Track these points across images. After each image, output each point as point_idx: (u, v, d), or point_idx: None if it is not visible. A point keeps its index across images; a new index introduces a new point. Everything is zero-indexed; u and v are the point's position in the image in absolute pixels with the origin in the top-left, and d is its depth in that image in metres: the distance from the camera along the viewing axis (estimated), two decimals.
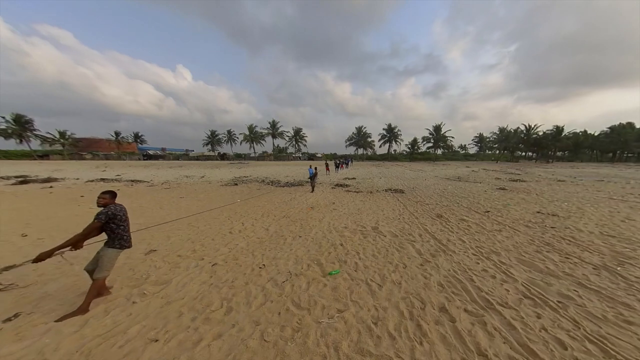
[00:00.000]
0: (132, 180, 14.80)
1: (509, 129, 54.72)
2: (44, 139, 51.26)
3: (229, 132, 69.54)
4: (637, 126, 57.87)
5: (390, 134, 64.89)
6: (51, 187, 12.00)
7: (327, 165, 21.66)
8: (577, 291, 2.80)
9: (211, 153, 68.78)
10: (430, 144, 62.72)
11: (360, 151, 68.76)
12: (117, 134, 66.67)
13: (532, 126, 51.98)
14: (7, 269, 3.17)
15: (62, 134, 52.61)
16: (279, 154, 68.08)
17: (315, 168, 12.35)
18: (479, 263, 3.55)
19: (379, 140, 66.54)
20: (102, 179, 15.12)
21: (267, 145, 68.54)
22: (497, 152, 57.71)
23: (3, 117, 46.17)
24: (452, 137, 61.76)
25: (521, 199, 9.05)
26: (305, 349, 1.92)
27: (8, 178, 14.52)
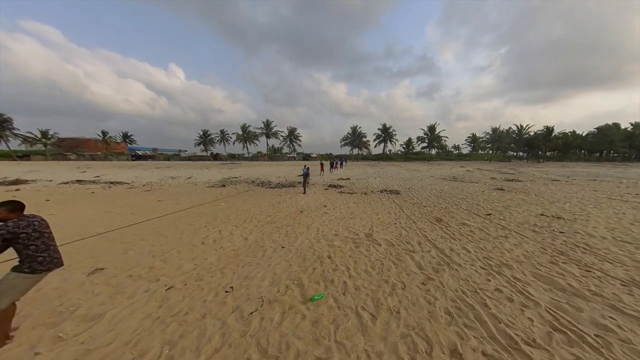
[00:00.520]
0: (111, 182, 13.82)
1: (501, 129, 55.47)
2: (24, 139, 48.79)
3: (222, 131, 68.07)
4: (623, 127, 59.73)
5: (385, 133, 64.84)
6: (17, 189, 10.96)
7: (321, 165, 21.04)
8: (614, 319, 2.28)
9: (204, 153, 67.17)
10: (425, 144, 62.98)
11: (356, 151, 68.48)
12: (104, 133, 64.34)
13: (524, 126, 52.82)
14: None
15: (44, 134, 50.22)
16: (274, 154, 67.08)
17: (308, 168, 11.73)
18: (490, 280, 3.00)
19: (374, 140, 66.45)
20: (78, 181, 14.07)
21: (262, 145, 67.50)
22: (490, 152, 58.38)
23: None
24: (447, 137, 62.26)
25: (521, 200, 8.67)
26: None
27: None
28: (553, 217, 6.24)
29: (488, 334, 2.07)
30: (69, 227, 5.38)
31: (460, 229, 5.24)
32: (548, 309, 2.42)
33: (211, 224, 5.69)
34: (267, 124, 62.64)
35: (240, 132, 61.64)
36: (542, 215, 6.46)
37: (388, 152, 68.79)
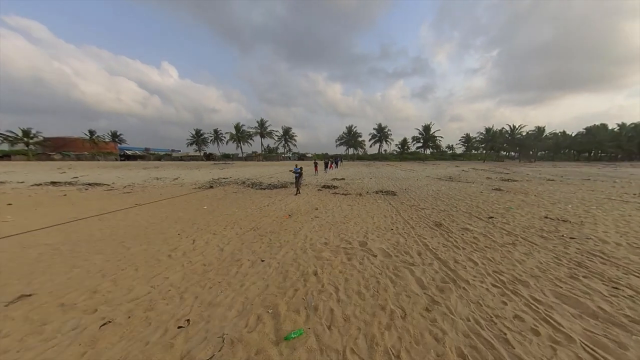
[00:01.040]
0: (89, 184, 12.90)
1: (494, 129, 56.11)
2: (4, 138, 46.45)
3: (215, 131, 66.64)
4: (610, 127, 61.39)
5: (381, 133, 64.77)
6: None
7: (315, 164, 20.45)
8: None
9: (197, 153, 65.63)
10: (420, 144, 63.19)
11: (351, 151, 68.21)
12: (91, 132, 62.14)
13: (517, 127, 53.58)
14: None
15: (26, 133, 47.95)
16: (269, 154, 66.15)
17: (301, 168, 11.15)
18: (506, 303, 2.50)
19: (370, 140, 66.29)
20: (53, 182, 13.08)
21: (256, 145, 66.43)
22: (484, 152, 59.04)
23: None
24: (441, 137, 62.63)
25: (521, 201, 8.32)
26: None
27: None
28: (558, 220, 5.85)
29: None
30: (16, 237, 4.65)
31: (462, 235, 4.77)
32: (585, 346, 1.93)
33: (186, 231, 5.04)
34: (262, 124, 61.66)
35: (234, 132, 60.45)
36: (546, 217, 6.07)
37: (383, 152, 68.78)
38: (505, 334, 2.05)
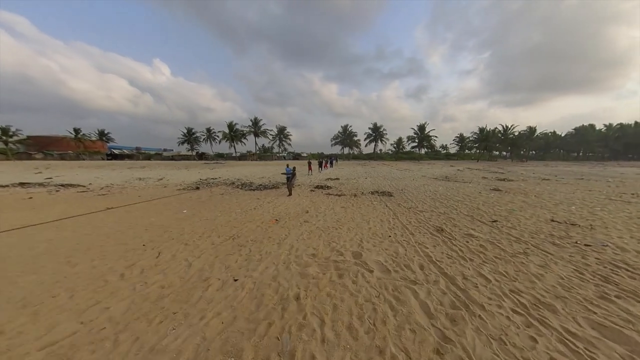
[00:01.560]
0: (63, 185, 11.91)
1: (487, 129, 56.75)
2: None
3: (208, 130, 65.07)
4: (597, 128, 63.09)
5: (376, 133, 64.66)
6: None
7: (309, 164, 19.85)
8: None
9: (189, 153, 63.90)
10: (415, 144, 63.37)
11: (346, 150, 67.88)
12: (76, 130, 59.73)
13: (509, 126, 54.31)
14: None
15: (5, 131, 45.49)
16: (264, 154, 65.04)
17: (293, 168, 10.54)
18: (535, 339, 1.98)
19: (365, 140, 66.11)
20: (22, 184, 12.03)
21: (251, 144, 65.23)
22: (477, 151, 59.70)
23: None
24: (436, 137, 62.97)
25: (522, 202, 7.95)
26: None
27: None
28: (566, 223, 5.45)
29: None
30: None
31: (467, 242, 4.27)
32: None
33: (155, 241, 4.37)
34: (256, 122, 60.50)
35: (227, 131, 59.11)
36: (553, 221, 5.66)
37: (379, 152, 68.75)
38: None
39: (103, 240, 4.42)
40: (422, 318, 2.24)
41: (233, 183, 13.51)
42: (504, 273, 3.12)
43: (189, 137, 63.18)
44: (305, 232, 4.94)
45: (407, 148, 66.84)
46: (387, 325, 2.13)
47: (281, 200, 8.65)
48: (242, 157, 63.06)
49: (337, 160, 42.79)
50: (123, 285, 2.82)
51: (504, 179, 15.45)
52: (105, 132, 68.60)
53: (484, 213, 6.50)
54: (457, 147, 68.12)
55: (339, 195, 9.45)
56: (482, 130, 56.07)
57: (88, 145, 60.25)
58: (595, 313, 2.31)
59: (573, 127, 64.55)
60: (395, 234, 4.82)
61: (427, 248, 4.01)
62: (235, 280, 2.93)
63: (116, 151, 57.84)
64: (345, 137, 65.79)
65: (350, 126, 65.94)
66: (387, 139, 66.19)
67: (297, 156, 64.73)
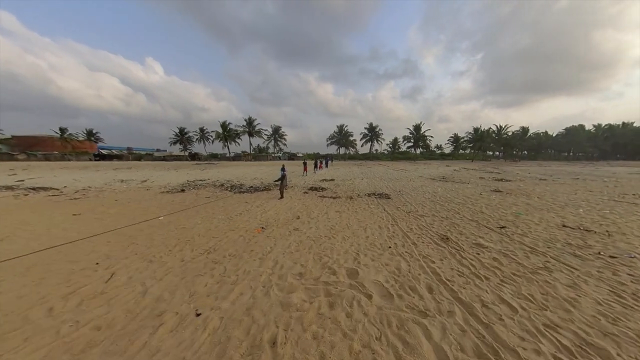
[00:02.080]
0: (34, 188, 10.95)
1: (482, 129, 57.24)
2: None
3: (201, 129, 63.57)
4: (586, 128, 64.55)
5: (372, 133, 64.41)
6: None
7: (304, 164, 19.21)
8: None
9: (182, 153, 62.25)
10: (411, 144, 63.41)
11: (342, 150, 67.45)
12: (62, 130, 57.55)
13: (503, 127, 54.91)
14: None
15: None
16: (259, 154, 63.97)
17: (283, 167, 9.95)
18: None
19: (361, 140, 65.79)
20: None
21: (245, 144, 64.11)
22: (472, 151, 60.20)
23: None
24: (432, 137, 63.15)
25: (526, 205, 7.53)
26: None
27: None
28: (580, 229, 5.00)
29: None
30: None
31: (478, 254, 3.74)
32: None
33: (113, 257, 3.68)
34: (250, 122, 59.39)
35: (220, 130, 57.82)
36: (565, 226, 5.21)
37: (375, 152, 68.56)
38: None
39: (52, 257, 3.70)
40: None
41: (222, 185, 12.77)
42: (530, 297, 2.58)
43: (181, 137, 61.62)
44: (294, 242, 4.33)
45: (403, 148, 66.91)
46: None
47: (271, 203, 8.01)
48: (237, 157, 61.86)
49: (332, 161, 42.31)
50: (46, 325, 2.15)
51: (501, 179, 15.18)
52: (94, 131, 66.41)
53: (489, 217, 6.02)
54: (451, 147, 68.59)
55: (334, 198, 8.87)
56: (476, 130, 56.52)
57: (77, 146, 58.06)
58: None
59: (564, 128, 65.95)
60: (395, 244, 4.26)
61: (434, 262, 3.45)
62: (198, 314, 2.30)
63: (104, 152, 55.82)
64: (341, 137, 65.33)
65: (346, 126, 65.54)
66: (383, 139, 66.10)
67: (292, 156, 63.90)
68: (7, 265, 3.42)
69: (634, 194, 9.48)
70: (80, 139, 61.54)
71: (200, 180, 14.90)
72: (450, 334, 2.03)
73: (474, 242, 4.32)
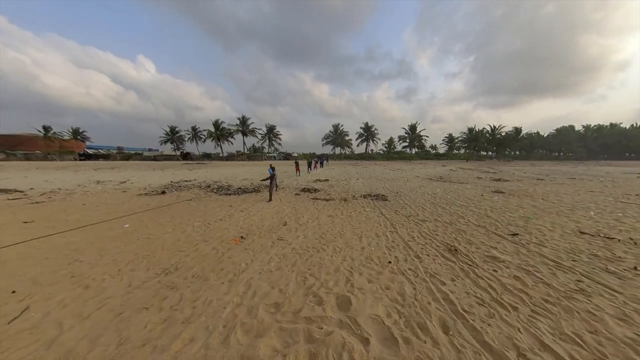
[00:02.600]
0: None
1: (476, 129, 57.66)
2: None
3: (193, 128, 61.88)
4: (575, 129, 65.97)
5: (368, 132, 64.13)
6: None
7: (296, 164, 18.42)
8: None
9: (174, 152, 60.41)
10: (406, 143, 63.42)
11: (338, 150, 66.94)
12: (46, 129, 55.12)
13: (497, 127, 55.44)
14: None
15: None
16: (254, 154, 62.71)
17: (274, 168, 9.22)
18: None
19: (357, 139, 65.43)
20: None
21: (239, 144, 62.70)
22: (467, 151, 60.64)
23: None
24: (427, 137, 63.32)
25: (532, 207, 7.02)
26: None
27: None
28: (600, 236, 4.46)
29: None
30: None
31: (495, 272, 3.11)
32: None
33: (40, 282, 2.88)
34: (243, 121, 58.13)
35: (212, 129, 56.34)
36: (582, 233, 4.66)
37: (370, 152, 68.32)
38: None
39: None
40: None
41: (209, 186, 11.91)
42: (578, 339, 1.95)
43: (172, 136, 59.86)
44: (276, 257, 3.62)
45: (399, 148, 66.91)
46: None
47: (258, 207, 7.27)
48: (230, 157, 60.48)
49: (327, 161, 41.69)
50: None
51: (498, 179, 14.82)
52: (80, 130, 63.89)
53: (496, 223, 5.44)
54: (446, 147, 69.01)
55: (327, 200, 8.19)
56: (471, 130, 56.89)
57: (64, 145, 55.65)
58: None
59: (554, 128, 67.23)
60: (396, 257, 3.60)
61: (445, 284, 2.80)
62: None
63: (90, 151, 53.58)
64: (337, 136, 64.80)
65: (342, 125, 65.07)
66: (379, 139, 65.91)
67: (287, 156, 62.93)
68: None
69: (637, 195, 9.16)
70: (66, 138, 59.05)
71: (186, 181, 13.98)
72: None
73: (486, 253, 3.70)
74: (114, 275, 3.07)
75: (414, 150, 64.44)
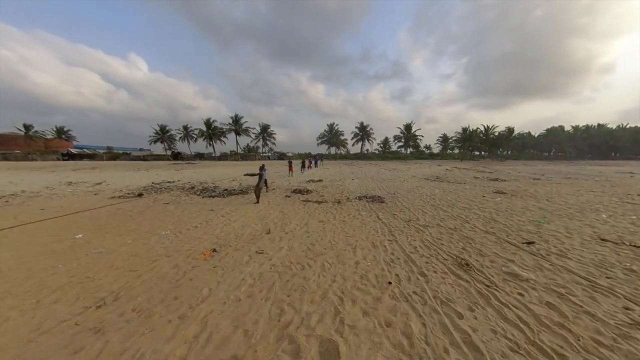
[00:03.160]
0: None
1: (470, 129, 58.10)
2: None
3: (185, 127, 60.10)
4: (566, 129, 67.46)
5: (363, 132, 63.77)
6: None
7: (290, 164, 17.67)
8: None
9: (164, 152, 58.46)
10: (402, 143, 63.37)
11: (333, 150, 66.38)
12: (27, 127, 52.58)
13: (490, 127, 56.00)
14: None
15: None
16: (248, 154, 61.41)
17: (262, 166, 8.53)
18: None
19: (352, 139, 65.01)
20: None
21: (233, 143, 61.24)
22: (462, 151, 61.05)
23: None
24: (422, 136, 63.43)
25: (539, 209, 6.53)
26: None
27: None
28: (624, 244, 3.93)
29: None
30: None
31: (521, 296, 2.49)
32: None
33: None
34: (236, 120, 56.78)
35: (204, 128, 54.82)
36: (604, 240, 4.14)
37: (366, 152, 68.03)
38: None
39: None
40: None
41: (193, 187, 11.05)
42: None
43: (163, 135, 57.98)
44: (250, 277, 2.92)
45: (394, 148, 66.85)
46: None
47: (242, 210, 6.53)
48: (223, 157, 59.03)
49: (322, 160, 41.04)
50: None
51: (496, 179, 14.48)
52: (65, 129, 61.34)
53: (506, 228, 4.88)
54: (440, 147, 69.39)
55: (319, 203, 7.51)
56: (465, 130, 57.26)
57: (49, 145, 53.14)
58: None
59: (544, 129, 68.58)
60: (397, 276, 2.95)
61: (462, 317, 2.16)
62: None
63: (75, 151, 51.23)
64: (332, 136, 64.19)
65: (337, 125, 64.49)
66: (374, 139, 65.63)
67: (282, 156, 61.87)
68: None
69: (639, 195, 8.85)
70: (49, 137, 56.46)
71: (169, 182, 13.04)
72: None
73: (504, 269, 3.09)
74: (27, 310, 2.30)
75: (409, 150, 64.49)
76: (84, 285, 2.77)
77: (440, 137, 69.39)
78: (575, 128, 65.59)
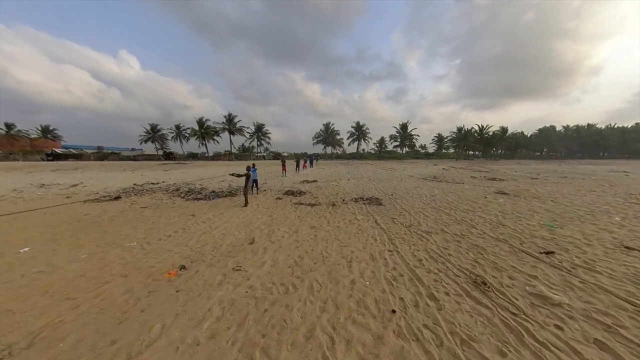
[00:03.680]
0: None
1: (465, 129, 58.48)
2: None
3: (177, 127, 58.54)
4: (556, 129, 68.73)
5: (359, 132, 63.45)
6: None
7: (283, 164, 17.03)
8: None
9: (156, 152, 56.78)
10: (397, 143, 63.30)
11: (329, 150, 65.85)
12: (8, 126, 50.31)
13: (485, 126, 56.44)
14: None
15: None
16: (242, 153, 60.25)
17: (250, 166, 7.94)
18: None
19: (348, 139, 64.61)
20: None
21: (226, 142, 59.98)
22: (457, 150, 61.39)
23: None
24: (418, 136, 63.51)
25: (547, 211, 6.12)
26: None
27: None
28: None
29: None
30: None
31: (560, 330, 1.97)
32: None
33: None
34: (230, 119, 55.63)
35: (197, 128, 53.47)
36: (629, 248, 3.69)
37: (362, 151, 67.76)
38: None
39: None
40: None
41: (178, 189, 10.31)
42: None
43: (154, 134, 56.31)
44: (218, 306, 2.31)
45: (390, 147, 66.78)
46: None
47: (227, 215, 5.91)
48: (217, 156, 57.76)
49: (317, 160, 40.46)
50: None
51: (494, 179, 14.19)
52: (51, 128, 59.02)
53: (518, 234, 4.40)
54: (435, 147, 69.71)
55: (312, 206, 6.93)
56: (460, 129, 57.56)
57: (34, 144, 50.94)
58: None
59: (537, 129, 69.74)
60: (402, 300, 2.40)
61: None
62: None
63: (60, 150, 49.20)
64: (328, 135, 63.64)
65: (333, 124, 63.97)
66: (370, 139, 65.39)
67: (277, 156, 60.98)
68: None
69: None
70: (33, 136, 54.15)
71: (153, 183, 12.23)
72: None
73: (529, 289, 2.58)
74: None
75: (405, 150, 64.49)
76: (13, 321, 2.12)
77: (436, 136, 69.72)
78: (567, 128, 66.87)
